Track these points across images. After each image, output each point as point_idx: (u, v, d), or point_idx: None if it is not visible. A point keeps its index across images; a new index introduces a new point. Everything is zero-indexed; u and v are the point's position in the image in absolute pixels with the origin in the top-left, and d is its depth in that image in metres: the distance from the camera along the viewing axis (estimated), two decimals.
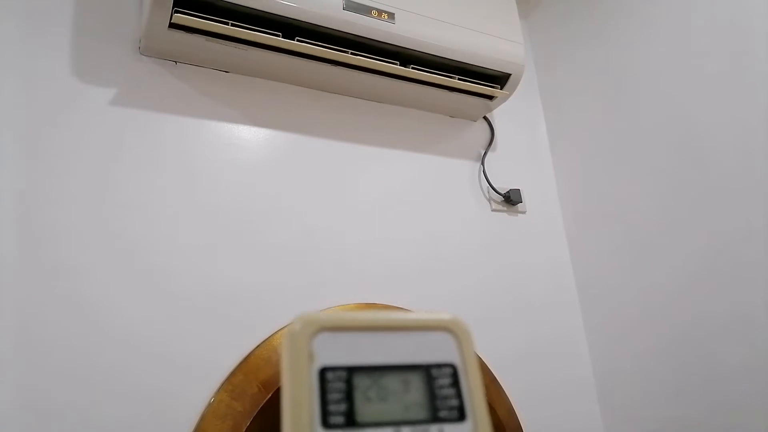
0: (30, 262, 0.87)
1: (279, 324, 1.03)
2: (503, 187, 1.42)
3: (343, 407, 0.27)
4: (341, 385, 0.28)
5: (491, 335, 1.25)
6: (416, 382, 0.29)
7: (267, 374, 0.97)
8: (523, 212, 1.44)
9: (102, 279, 0.92)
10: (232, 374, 0.96)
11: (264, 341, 1.01)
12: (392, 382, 0.28)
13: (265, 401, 0.94)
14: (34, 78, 0.97)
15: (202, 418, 0.90)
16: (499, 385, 1.18)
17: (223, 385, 0.95)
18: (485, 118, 1.48)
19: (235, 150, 1.11)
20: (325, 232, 1.14)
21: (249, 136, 1.14)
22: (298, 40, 1.07)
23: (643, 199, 1.29)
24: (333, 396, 0.27)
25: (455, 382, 0.29)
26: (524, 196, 1.45)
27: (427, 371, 0.29)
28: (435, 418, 0.28)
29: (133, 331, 0.91)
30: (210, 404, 0.92)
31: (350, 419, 0.27)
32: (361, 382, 0.28)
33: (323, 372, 0.28)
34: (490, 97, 1.33)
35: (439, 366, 0.30)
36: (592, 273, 1.40)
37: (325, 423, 0.27)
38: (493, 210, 1.39)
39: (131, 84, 1.05)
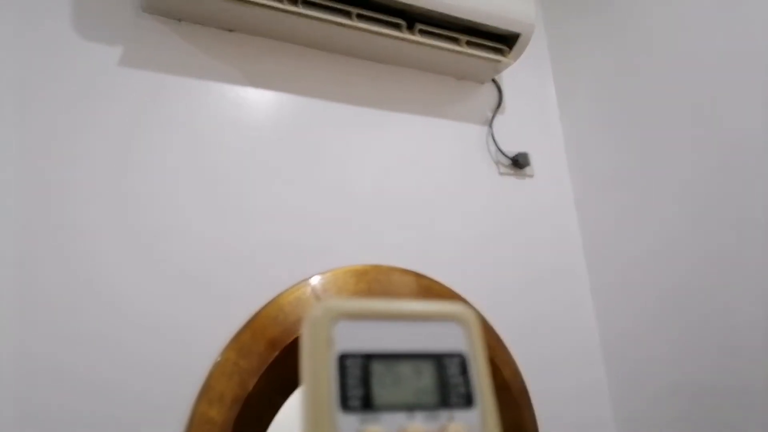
0: (36, 227, 0.89)
1: (287, 284, 1.05)
2: (511, 150, 1.42)
3: (360, 391, 0.29)
4: (359, 371, 0.30)
5: (498, 298, 1.27)
6: (428, 369, 0.31)
7: (274, 333, 0.99)
8: (531, 176, 1.45)
9: (106, 238, 0.94)
10: (240, 333, 0.99)
11: (272, 300, 1.03)
12: (406, 368, 0.31)
13: (272, 359, 0.97)
14: (33, 38, 0.97)
15: (210, 376, 0.93)
16: (505, 346, 1.22)
17: (230, 343, 0.97)
18: (493, 80, 1.47)
19: (241, 111, 1.11)
20: (332, 194, 1.15)
21: (255, 97, 1.14)
22: (302, 3, 1.07)
23: (654, 164, 1.29)
24: (351, 381, 0.29)
25: (464, 371, 0.31)
26: (532, 159, 1.46)
27: (438, 359, 0.31)
28: (445, 404, 0.30)
29: (139, 289, 0.94)
30: (217, 362, 0.95)
31: (367, 403, 0.29)
32: (377, 368, 0.30)
33: (342, 358, 0.30)
34: (499, 58, 1.32)
35: (449, 355, 0.32)
36: (600, 237, 1.42)
37: (344, 406, 0.29)
38: (500, 173, 1.40)
39: (133, 43, 1.05)
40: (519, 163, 1.40)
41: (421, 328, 0.32)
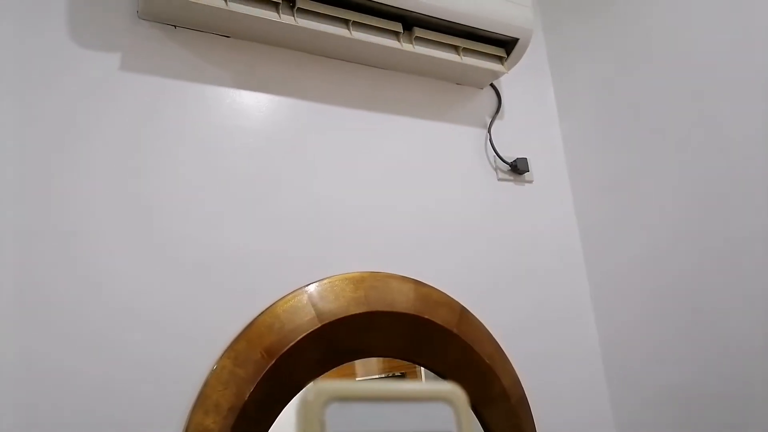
0: (38, 231, 0.89)
1: (283, 291, 1.06)
2: (510, 156, 1.42)
3: None
4: None
5: (496, 304, 1.28)
6: None
7: (270, 341, 1.00)
8: (530, 181, 1.45)
9: (105, 244, 0.93)
10: (235, 341, 0.99)
11: (267, 308, 1.03)
12: None
13: (268, 368, 0.97)
14: (31, 45, 0.95)
15: (206, 385, 0.94)
16: (504, 354, 1.22)
17: (226, 351, 0.98)
18: (492, 85, 1.47)
19: (238, 117, 1.10)
20: (329, 200, 1.15)
21: (251, 102, 1.13)
22: (297, 10, 1.07)
23: (654, 167, 1.29)
24: None
25: None
26: (531, 165, 1.45)
27: None
28: None
29: (136, 296, 0.94)
30: (213, 371, 0.95)
31: None
32: None
33: None
34: (497, 64, 1.32)
35: None
36: (600, 243, 1.42)
37: None
38: (499, 179, 1.40)
39: (130, 50, 1.03)
40: (518, 168, 1.39)
41: (411, 409, 0.32)
